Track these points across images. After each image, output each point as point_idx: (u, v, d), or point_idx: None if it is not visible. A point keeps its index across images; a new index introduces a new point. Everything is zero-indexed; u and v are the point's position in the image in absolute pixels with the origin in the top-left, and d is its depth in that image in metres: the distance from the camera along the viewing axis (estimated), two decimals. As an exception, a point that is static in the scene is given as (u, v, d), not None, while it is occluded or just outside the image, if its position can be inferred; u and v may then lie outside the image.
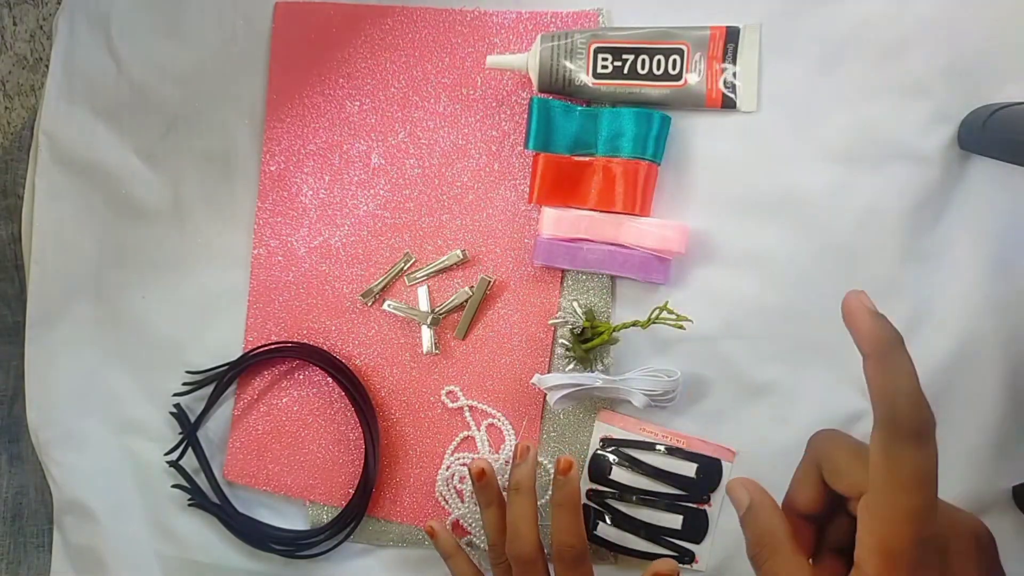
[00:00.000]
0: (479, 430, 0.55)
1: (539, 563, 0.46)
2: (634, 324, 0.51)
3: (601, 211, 0.52)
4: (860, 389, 0.49)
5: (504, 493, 0.49)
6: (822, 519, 0.34)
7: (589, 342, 0.52)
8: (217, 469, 0.59)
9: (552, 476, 0.54)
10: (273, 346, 0.57)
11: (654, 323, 0.50)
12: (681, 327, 0.50)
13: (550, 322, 0.54)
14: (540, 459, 0.54)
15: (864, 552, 0.29)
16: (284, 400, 0.58)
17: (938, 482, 0.28)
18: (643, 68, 0.52)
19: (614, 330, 0.51)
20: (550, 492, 0.54)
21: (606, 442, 0.53)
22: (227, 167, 0.59)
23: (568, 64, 0.52)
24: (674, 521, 0.52)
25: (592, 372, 0.52)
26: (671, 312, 0.50)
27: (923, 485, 0.28)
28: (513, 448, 0.54)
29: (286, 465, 0.58)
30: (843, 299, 0.30)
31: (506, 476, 0.54)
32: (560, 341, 0.53)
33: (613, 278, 0.54)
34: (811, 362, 0.51)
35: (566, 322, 0.53)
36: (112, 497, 0.59)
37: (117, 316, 0.60)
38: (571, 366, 0.52)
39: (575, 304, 0.53)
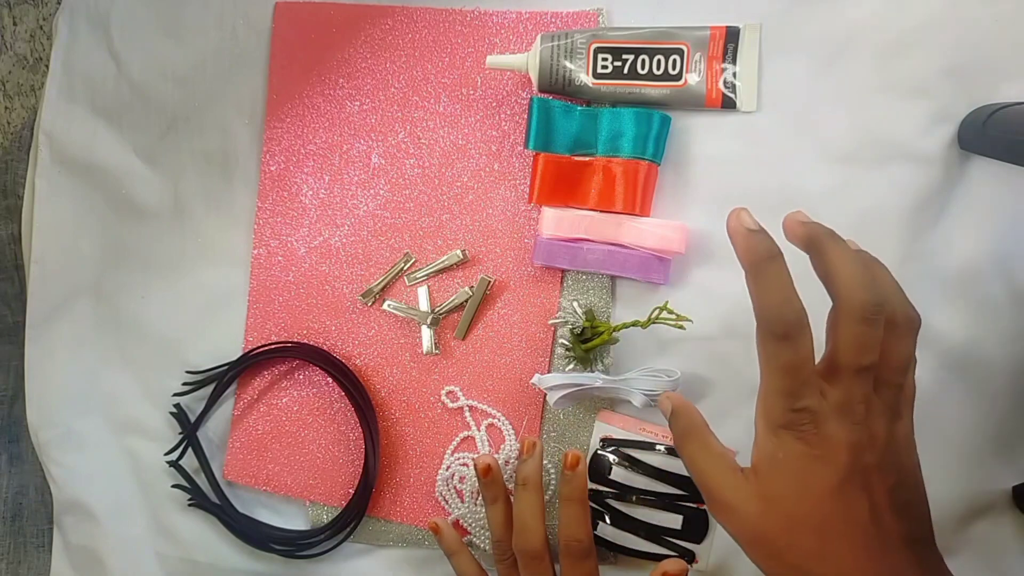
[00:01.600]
0: (479, 430, 0.55)
1: (546, 558, 0.46)
2: (634, 324, 0.51)
3: (601, 211, 0.52)
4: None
5: (509, 488, 0.49)
6: None
7: (589, 342, 0.52)
8: (217, 469, 0.59)
9: (556, 473, 0.54)
10: (273, 346, 0.57)
11: (654, 323, 0.50)
12: (681, 327, 0.50)
13: (550, 322, 0.54)
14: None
15: (756, 418, 0.36)
16: (284, 400, 0.58)
17: (810, 367, 0.34)
18: (643, 68, 0.52)
19: (614, 330, 0.51)
20: (553, 488, 0.54)
21: (606, 442, 0.53)
22: (227, 167, 0.59)
23: (568, 64, 0.52)
24: (674, 521, 0.52)
25: (592, 372, 0.52)
26: (671, 312, 0.50)
27: (789, 371, 0.33)
28: (518, 445, 0.54)
29: (286, 465, 0.58)
30: (727, 219, 0.35)
31: (505, 477, 0.54)
32: (560, 341, 0.53)
33: (613, 278, 0.54)
34: (811, 362, 0.52)
35: (566, 322, 0.53)
36: (112, 497, 0.59)
37: (117, 316, 0.60)
38: (571, 366, 0.52)
39: (575, 304, 0.53)
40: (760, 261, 0.34)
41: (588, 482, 0.53)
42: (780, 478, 0.34)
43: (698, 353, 0.52)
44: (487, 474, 0.48)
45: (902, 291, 0.37)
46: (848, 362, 0.34)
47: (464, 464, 0.55)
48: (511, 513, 0.48)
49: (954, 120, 0.50)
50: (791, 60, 0.51)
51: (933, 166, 0.50)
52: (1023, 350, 0.50)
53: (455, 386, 0.55)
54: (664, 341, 0.53)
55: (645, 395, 0.50)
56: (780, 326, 0.33)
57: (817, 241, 0.35)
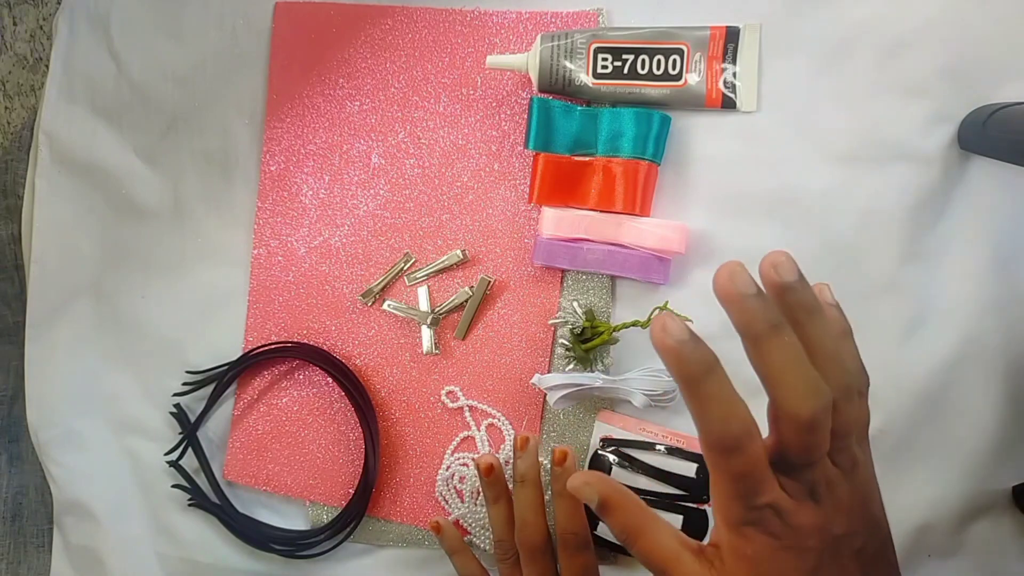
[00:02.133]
0: (479, 430, 0.55)
1: (548, 552, 0.47)
2: (634, 324, 0.51)
3: (601, 211, 0.52)
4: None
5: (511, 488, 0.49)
6: None
7: (589, 342, 0.52)
8: (217, 469, 0.59)
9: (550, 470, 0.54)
10: (273, 346, 0.57)
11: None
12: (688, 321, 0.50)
13: (550, 322, 0.54)
14: (540, 459, 0.54)
15: (715, 515, 0.33)
16: (284, 400, 0.58)
17: (763, 466, 0.31)
18: (643, 68, 0.52)
19: (614, 330, 0.51)
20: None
21: (606, 442, 0.53)
22: (227, 167, 0.59)
23: (568, 64, 0.52)
24: (674, 521, 0.52)
25: (591, 372, 0.52)
26: (672, 312, 0.50)
27: (741, 479, 0.31)
28: (513, 443, 0.54)
29: (286, 465, 0.58)
30: (651, 329, 0.30)
31: (509, 473, 0.54)
32: (560, 341, 0.53)
33: (613, 278, 0.54)
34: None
35: (566, 322, 0.53)
36: (112, 497, 0.59)
37: (117, 316, 0.60)
38: (571, 366, 0.52)
39: (575, 304, 0.53)
40: (695, 377, 0.29)
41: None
42: (749, 570, 0.32)
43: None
44: (489, 473, 0.48)
45: (842, 351, 0.32)
46: (800, 461, 0.31)
47: (464, 464, 0.55)
48: (512, 512, 0.48)
49: (954, 120, 0.50)
50: (791, 60, 0.51)
51: (933, 166, 0.50)
52: (1023, 350, 0.50)
53: (455, 386, 0.55)
54: (664, 341, 0.53)
55: (645, 395, 0.50)
56: (728, 440, 0.30)
57: (751, 336, 0.29)
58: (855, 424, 0.32)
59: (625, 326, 0.51)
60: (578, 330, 0.52)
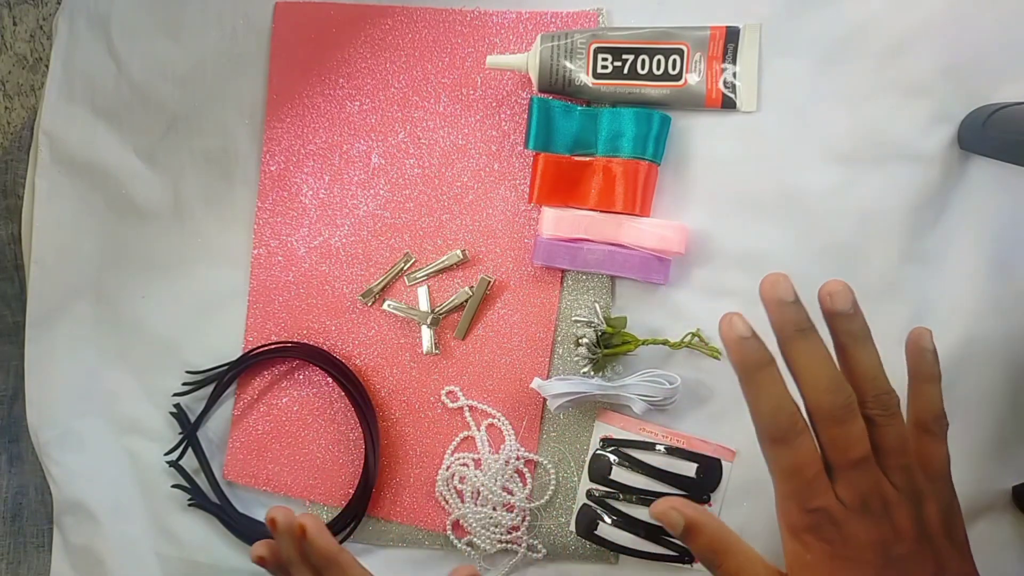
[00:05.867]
0: (479, 430, 0.55)
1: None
2: (663, 343, 0.51)
3: (601, 211, 0.52)
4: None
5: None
6: None
7: (609, 348, 0.51)
8: (217, 469, 0.59)
9: (556, 474, 0.54)
10: (273, 346, 0.57)
11: (686, 347, 0.51)
12: (716, 357, 0.50)
13: (573, 318, 0.53)
14: (540, 459, 0.54)
15: (779, 524, 0.35)
16: (284, 400, 0.58)
17: (817, 466, 0.33)
18: (643, 68, 0.52)
19: (642, 343, 0.51)
20: (552, 492, 0.54)
21: (606, 442, 0.53)
22: (227, 167, 0.59)
23: (568, 64, 0.52)
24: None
25: (592, 376, 0.52)
26: (703, 341, 0.50)
27: (794, 473, 0.33)
28: (518, 444, 0.54)
29: (286, 465, 0.58)
30: (720, 324, 0.33)
31: (504, 477, 0.54)
32: (582, 342, 0.52)
33: (613, 278, 0.54)
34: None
35: (590, 323, 0.52)
36: (112, 497, 0.59)
37: (117, 316, 0.60)
38: (586, 368, 0.52)
39: (596, 306, 0.53)
40: (753, 369, 0.33)
41: (588, 483, 0.53)
42: None
43: (698, 354, 0.52)
44: (273, 526, 0.41)
45: (879, 373, 0.35)
46: (839, 461, 0.33)
47: (464, 464, 0.55)
48: None
49: (954, 120, 0.50)
50: (791, 60, 0.51)
51: (933, 166, 0.50)
52: (1023, 350, 0.50)
53: (455, 386, 0.55)
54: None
55: (644, 400, 0.50)
56: (775, 431, 0.33)
57: (783, 337, 0.33)
58: (895, 442, 0.34)
59: (655, 342, 0.51)
60: (599, 333, 0.52)
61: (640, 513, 0.52)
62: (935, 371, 0.36)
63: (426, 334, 0.55)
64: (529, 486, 0.54)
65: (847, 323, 0.33)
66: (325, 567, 0.41)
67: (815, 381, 0.33)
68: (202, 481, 0.58)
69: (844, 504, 0.33)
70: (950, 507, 0.35)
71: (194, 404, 0.59)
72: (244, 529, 0.57)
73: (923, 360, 0.36)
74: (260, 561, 0.42)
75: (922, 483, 0.34)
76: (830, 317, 0.34)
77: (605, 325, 0.51)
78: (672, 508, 0.35)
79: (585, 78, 0.52)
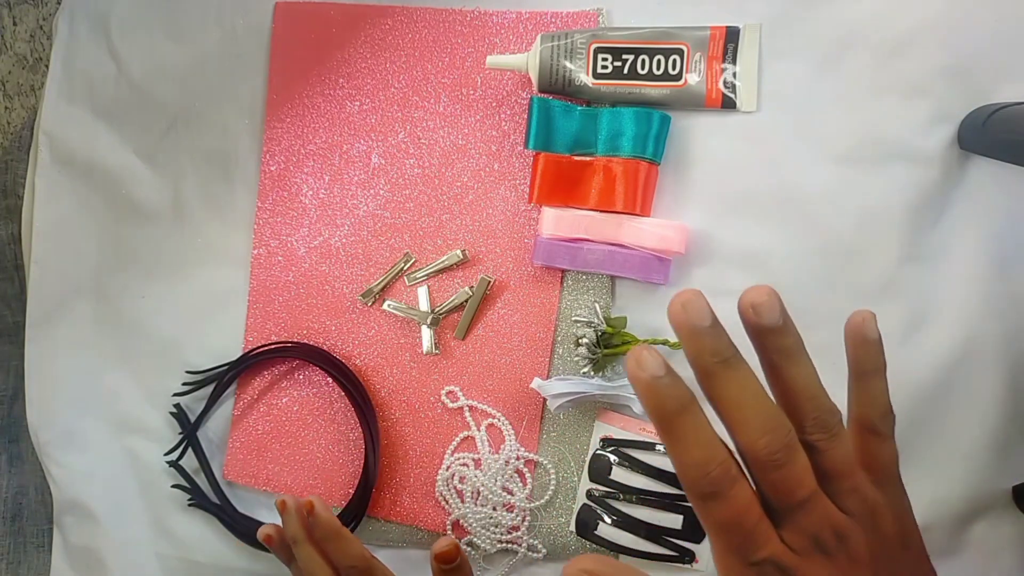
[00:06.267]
0: (479, 430, 0.55)
1: None
2: (664, 343, 0.51)
3: (601, 211, 0.52)
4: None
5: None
6: None
7: (609, 348, 0.51)
8: (217, 469, 0.59)
9: (556, 473, 0.54)
10: (273, 346, 0.57)
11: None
12: None
13: (573, 318, 0.53)
14: (540, 459, 0.54)
15: None
16: (284, 400, 0.58)
17: (754, 515, 0.29)
18: (643, 68, 0.52)
19: (642, 343, 0.51)
20: (552, 492, 0.54)
21: (606, 442, 0.53)
22: (227, 167, 0.59)
23: (568, 64, 0.52)
24: (674, 521, 0.52)
25: (593, 376, 0.52)
26: (649, 345, 0.50)
27: (730, 528, 0.29)
28: (518, 444, 0.54)
29: (286, 465, 0.58)
30: (627, 364, 0.28)
31: (504, 477, 0.54)
32: (582, 342, 0.52)
33: (613, 278, 0.54)
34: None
35: (590, 323, 0.52)
36: (112, 497, 0.59)
37: (117, 316, 0.60)
38: (586, 368, 0.52)
39: (597, 306, 0.53)
40: (672, 414, 0.28)
41: (588, 483, 0.53)
42: None
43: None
44: (270, 543, 0.47)
45: (818, 391, 0.30)
46: (783, 504, 0.29)
47: (464, 464, 0.55)
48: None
49: (954, 120, 0.50)
50: (791, 60, 0.51)
51: (933, 166, 0.50)
52: (1023, 350, 0.50)
53: (455, 386, 0.55)
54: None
55: None
56: (705, 485, 0.28)
57: (702, 370, 0.28)
58: (839, 465, 0.30)
59: (656, 342, 0.51)
60: (599, 333, 0.52)
61: (640, 513, 0.52)
62: (880, 362, 0.32)
63: (426, 334, 0.55)
64: (529, 486, 0.54)
65: (777, 338, 0.29)
66: (327, 540, 0.44)
67: (747, 421, 0.28)
68: (202, 481, 0.58)
69: (794, 550, 0.29)
70: (903, 512, 0.32)
71: (194, 404, 0.59)
72: (244, 529, 0.57)
73: (866, 351, 0.32)
74: (267, 540, 0.47)
75: (873, 497, 0.31)
76: (756, 333, 0.29)
77: (605, 325, 0.51)
78: (582, 571, 0.30)
79: (585, 78, 0.52)
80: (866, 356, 0.32)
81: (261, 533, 0.47)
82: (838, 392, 0.53)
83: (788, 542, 0.29)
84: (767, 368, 0.30)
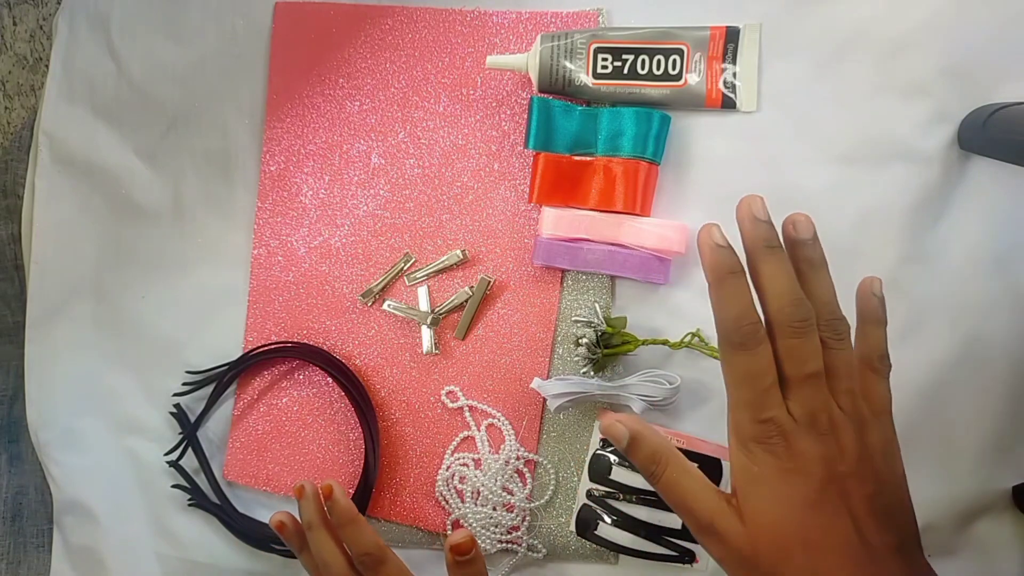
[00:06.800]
0: (479, 430, 0.55)
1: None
2: (664, 343, 0.51)
3: (601, 211, 0.52)
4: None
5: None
6: None
7: (609, 348, 0.51)
8: (217, 469, 0.59)
9: (556, 473, 0.54)
10: (273, 346, 0.57)
11: (685, 347, 0.51)
12: (716, 357, 0.50)
13: (573, 318, 0.53)
14: (540, 459, 0.54)
15: (728, 435, 0.36)
16: (284, 400, 0.58)
17: (772, 377, 0.34)
18: (643, 68, 0.52)
19: (642, 343, 0.51)
20: (558, 489, 0.54)
21: (606, 442, 0.53)
22: (227, 167, 0.59)
23: (568, 64, 0.52)
24: (674, 521, 0.52)
25: (593, 376, 0.52)
26: (703, 341, 0.50)
27: (750, 380, 0.35)
28: (518, 444, 0.54)
29: (286, 465, 0.58)
30: (699, 231, 0.35)
31: (504, 477, 0.54)
32: (582, 342, 0.52)
33: (613, 278, 0.54)
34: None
35: (590, 323, 0.52)
36: (112, 497, 0.59)
37: (117, 316, 0.60)
38: (585, 368, 0.52)
39: (597, 306, 0.53)
40: (723, 274, 0.35)
41: (588, 483, 0.53)
42: (759, 494, 0.35)
43: (698, 354, 0.52)
44: (282, 530, 0.47)
45: (833, 300, 0.37)
46: (792, 373, 0.35)
47: (464, 464, 0.55)
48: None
49: (954, 120, 0.50)
50: (791, 60, 0.51)
51: (933, 166, 0.50)
52: (1023, 350, 0.50)
53: (455, 386, 0.55)
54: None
55: (644, 400, 0.50)
56: (737, 336, 0.34)
57: (753, 251, 0.35)
58: (844, 366, 0.36)
59: (655, 342, 0.51)
60: (599, 333, 0.52)
61: (640, 513, 0.52)
62: (882, 315, 0.38)
63: (426, 334, 0.55)
64: (529, 486, 0.54)
65: (807, 250, 0.36)
66: (343, 525, 0.45)
67: (779, 292, 0.35)
68: (202, 481, 0.58)
69: (794, 418, 0.34)
70: (890, 441, 0.37)
71: (194, 404, 0.59)
72: (244, 529, 0.57)
73: (871, 304, 0.38)
74: (279, 526, 0.47)
75: (865, 412, 0.36)
76: (792, 244, 0.36)
77: (605, 325, 0.51)
78: (617, 422, 0.37)
79: (585, 78, 0.52)
80: (871, 308, 0.38)
81: (273, 519, 0.48)
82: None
83: (791, 411, 0.35)
84: (796, 275, 0.36)
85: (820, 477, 0.34)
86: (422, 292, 0.56)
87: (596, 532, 0.53)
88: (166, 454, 0.59)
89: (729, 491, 0.36)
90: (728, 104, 0.52)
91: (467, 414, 0.55)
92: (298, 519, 0.47)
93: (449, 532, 0.55)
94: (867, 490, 0.35)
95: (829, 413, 0.35)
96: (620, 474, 0.53)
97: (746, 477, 0.35)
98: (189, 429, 0.58)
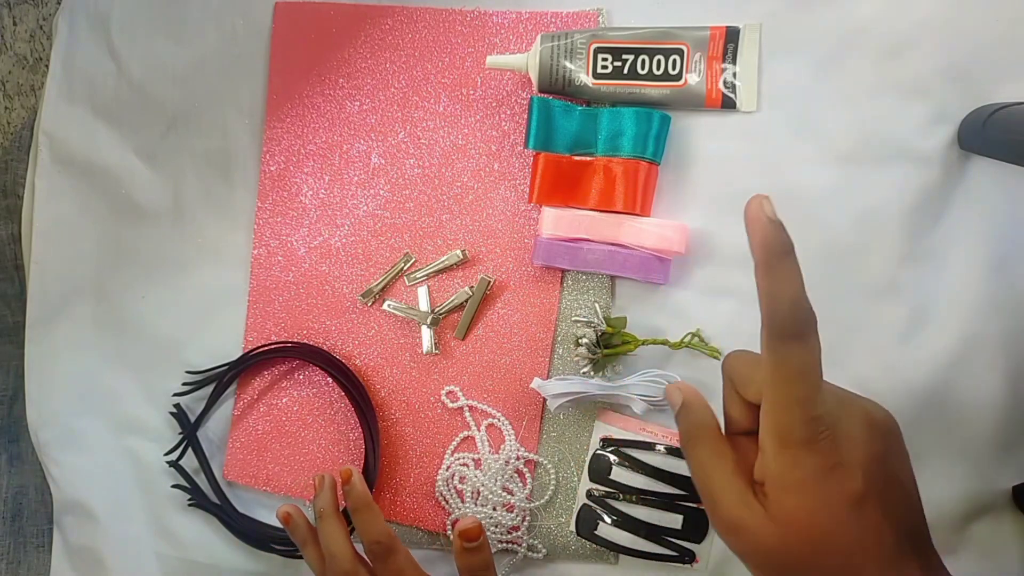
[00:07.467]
0: (479, 430, 0.55)
1: (362, 572, 0.47)
2: (663, 343, 0.51)
3: (601, 211, 0.52)
4: (860, 388, 0.49)
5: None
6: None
7: (609, 348, 0.51)
8: (217, 469, 0.59)
9: (556, 473, 0.54)
10: (273, 346, 0.57)
11: (685, 347, 0.51)
12: (716, 357, 0.50)
13: (573, 318, 0.53)
14: (540, 459, 0.54)
15: (764, 436, 0.33)
16: (284, 400, 0.58)
17: (821, 371, 0.32)
18: (643, 68, 0.52)
19: (642, 343, 0.51)
20: (551, 491, 0.54)
21: (606, 442, 0.53)
22: (227, 167, 0.59)
23: (568, 64, 0.52)
24: (674, 521, 0.52)
25: (592, 376, 0.52)
26: (703, 341, 0.50)
27: (804, 375, 0.31)
28: (518, 444, 0.54)
29: (286, 465, 0.58)
30: (746, 204, 0.32)
31: (504, 477, 0.54)
32: (582, 342, 0.51)
33: (613, 278, 0.54)
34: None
35: (590, 323, 0.52)
36: (112, 497, 0.59)
37: (117, 316, 0.60)
38: (586, 368, 0.52)
39: (596, 306, 0.53)
40: (778, 254, 0.31)
41: (588, 483, 0.53)
42: (796, 498, 0.32)
43: (698, 354, 0.52)
44: (288, 522, 0.49)
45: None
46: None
47: (464, 464, 0.55)
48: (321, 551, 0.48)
49: (954, 120, 0.50)
50: (791, 60, 0.51)
51: (933, 166, 0.50)
52: (1023, 350, 0.50)
53: (455, 386, 0.55)
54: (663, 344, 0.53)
55: (644, 400, 0.50)
56: (793, 324, 0.31)
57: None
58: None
59: (655, 342, 0.51)
60: (599, 333, 0.52)
61: (640, 513, 0.52)
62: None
63: (426, 334, 0.55)
64: (529, 486, 0.54)
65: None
66: (358, 511, 0.46)
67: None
68: (202, 481, 0.58)
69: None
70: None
71: (194, 404, 0.59)
72: (244, 529, 0.57)
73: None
74: (286, 518, 0.48)
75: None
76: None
77: (605, 325, 0.51)
78: (676, 388, 0.37)
79: (585, 78, 0.52)
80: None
81: (280, 511, 0.49)
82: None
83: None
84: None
85: (864, 468, 0.32)
86: (422, 292, 0.56)
87: (596, 532, 0.53)
88: (166, 454, 0.59)
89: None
90: (728, 104, 0.52)
91: (467, 414, 0.55)
92: (304, 513, 0.48)
93: (449, 532, 0.55)
94: (892, 487, 0.33)
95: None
96: (620, 474, 0.53)
97: (783, 483, 0.32)
98: (189, 429, 0.58)
